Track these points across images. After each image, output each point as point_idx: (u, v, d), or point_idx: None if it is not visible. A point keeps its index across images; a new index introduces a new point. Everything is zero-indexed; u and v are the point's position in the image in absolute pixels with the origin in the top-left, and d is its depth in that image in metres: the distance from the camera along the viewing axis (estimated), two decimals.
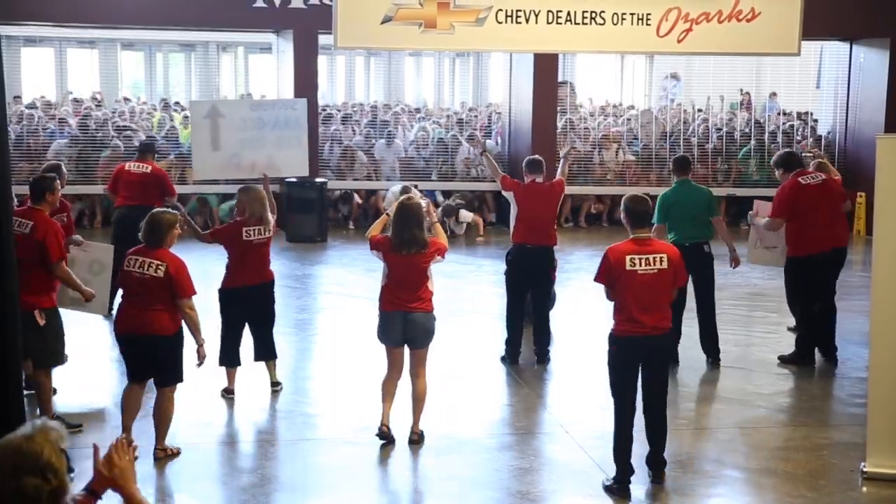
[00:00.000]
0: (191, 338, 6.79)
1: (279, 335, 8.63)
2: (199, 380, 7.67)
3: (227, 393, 8.16)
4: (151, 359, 6.75)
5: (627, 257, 6.23)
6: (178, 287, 6.66)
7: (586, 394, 8.34)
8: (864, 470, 6.75)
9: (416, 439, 7.16)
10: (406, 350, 7.20)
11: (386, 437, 7.11)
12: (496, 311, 11.28)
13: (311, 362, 9.71)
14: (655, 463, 6.56)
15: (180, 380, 6.88)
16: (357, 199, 17.10)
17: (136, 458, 6.48)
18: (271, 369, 8.42)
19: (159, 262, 6.65)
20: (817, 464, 7.05)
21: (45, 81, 22.30)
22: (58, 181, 7.73)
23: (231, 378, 8.19)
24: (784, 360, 9.37)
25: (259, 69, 25.17)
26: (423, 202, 7.23)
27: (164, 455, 6.83)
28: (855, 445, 7.17)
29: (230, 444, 7.39)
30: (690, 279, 9.02)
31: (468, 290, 12.87)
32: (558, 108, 17.55)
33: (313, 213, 15.85)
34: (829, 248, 9.17)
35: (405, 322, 7.04)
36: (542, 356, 9.24)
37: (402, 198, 7.19)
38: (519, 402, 8.44)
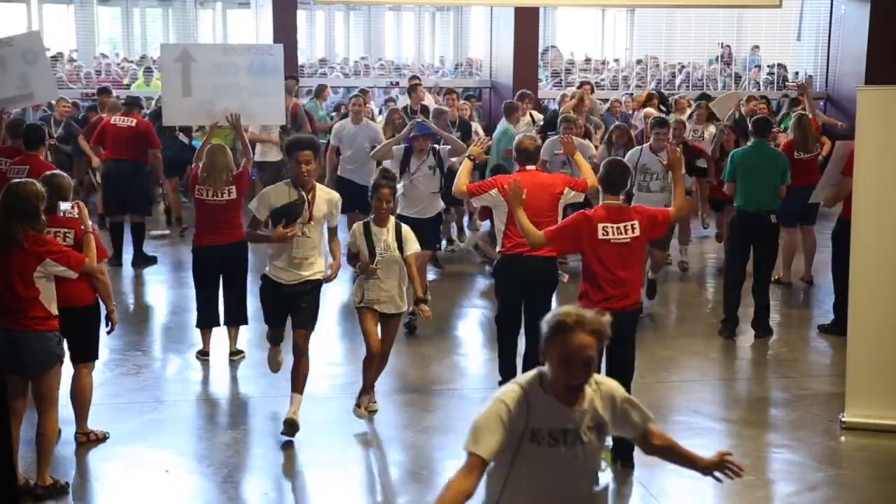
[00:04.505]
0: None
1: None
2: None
3: (203, 355, 8.04)
4: (68, 332, 6.06)
5: (600, 225, 5.92)
6: (89, 252, 6.04)
7: None
8: (843, 420, 6.82)
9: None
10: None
11: None
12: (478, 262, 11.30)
13: None
14: (622, 449, 5.99)
15: (97, 356, 6.47)
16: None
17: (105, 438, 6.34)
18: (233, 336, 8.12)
19: (67, 230, 6.07)
20: (797, 414, 7.12)
21: None
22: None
23: (206, 340, 8.06)
24: (824, 330, 8.93)
25: (237, 25, 24.93)
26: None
27: (86, 440, 6.36)
28: (835, 396, 7.24)
29: (210, 400, 7.39)
30: (752, 250, 8.67)
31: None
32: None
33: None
34: None
35: (9, 343, 5.59)
36: None
37: (12, 181, 5.78)
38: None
